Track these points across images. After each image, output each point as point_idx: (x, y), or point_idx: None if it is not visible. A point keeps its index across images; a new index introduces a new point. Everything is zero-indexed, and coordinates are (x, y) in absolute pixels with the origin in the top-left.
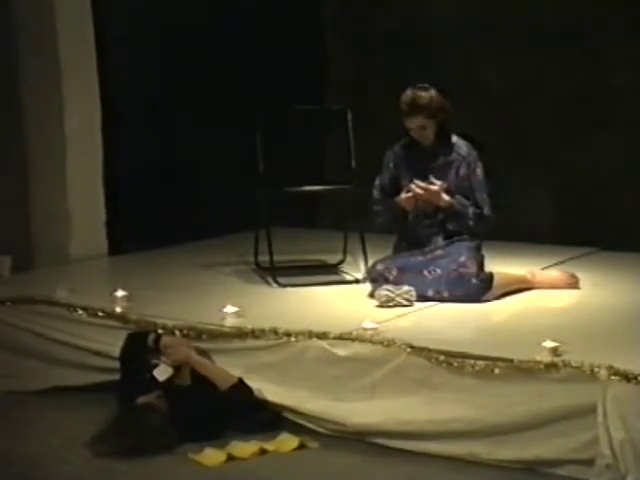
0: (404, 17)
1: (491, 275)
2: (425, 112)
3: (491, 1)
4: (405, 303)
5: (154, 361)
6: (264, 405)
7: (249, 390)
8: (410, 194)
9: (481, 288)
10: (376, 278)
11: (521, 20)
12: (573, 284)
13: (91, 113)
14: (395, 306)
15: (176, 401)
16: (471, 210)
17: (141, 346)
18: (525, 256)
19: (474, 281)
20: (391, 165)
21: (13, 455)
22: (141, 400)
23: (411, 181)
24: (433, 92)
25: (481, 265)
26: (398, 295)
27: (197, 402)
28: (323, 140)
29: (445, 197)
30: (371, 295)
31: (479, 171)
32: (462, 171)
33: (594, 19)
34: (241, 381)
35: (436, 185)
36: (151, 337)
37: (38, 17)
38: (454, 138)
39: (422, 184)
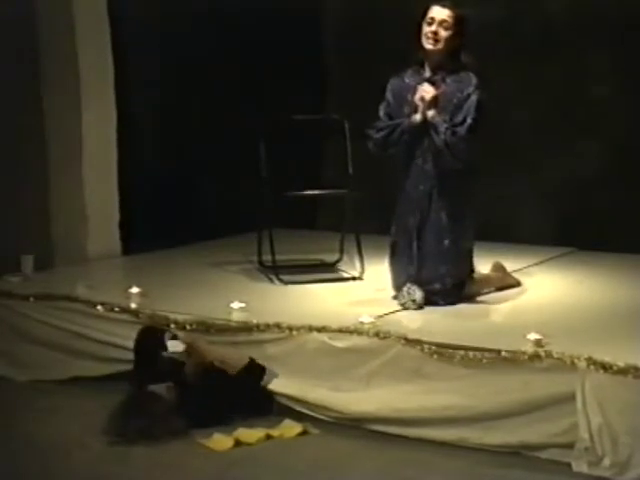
0: (402, 33)
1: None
2: (453, 11)
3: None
4: (413, 307)
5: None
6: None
7: (261, 368)
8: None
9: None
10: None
11: (508, 32)
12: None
13: (107, 123)
14: (406, 309)
15: (185, 391)
16: (444, 127)
17: (155, 341)
18: (507, 256)
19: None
20: (390, 96)
21: (37, 439)
22: (151, 388)
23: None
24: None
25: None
26: (411, 301)
27: (205, 392)
28: (322, 148)
29: (431, 111)
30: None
31: (474, 97)
32: (457, 97)
33: (577, 30)
34: (252, 360)
35: (430, 92)
36: (167, 335)
37: (59, 30)
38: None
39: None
